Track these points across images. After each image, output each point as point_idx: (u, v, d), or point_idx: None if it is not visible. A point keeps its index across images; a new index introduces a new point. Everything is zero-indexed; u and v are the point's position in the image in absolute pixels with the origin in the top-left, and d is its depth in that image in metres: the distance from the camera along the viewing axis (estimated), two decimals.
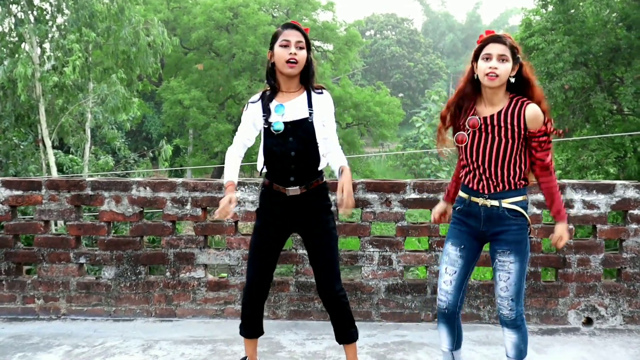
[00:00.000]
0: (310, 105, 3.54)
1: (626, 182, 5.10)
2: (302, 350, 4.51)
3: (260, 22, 30.64)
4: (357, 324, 5.03)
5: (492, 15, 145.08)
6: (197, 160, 30.25)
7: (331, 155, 3.54)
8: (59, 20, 18.84)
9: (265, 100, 3.61)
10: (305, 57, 3.51)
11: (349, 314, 3.77)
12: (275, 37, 3.51)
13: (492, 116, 3.29)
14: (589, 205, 5.04)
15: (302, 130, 3.52)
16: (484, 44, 3.25)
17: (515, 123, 3.23)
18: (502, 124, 3.26)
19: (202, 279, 5.17)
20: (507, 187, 3.33)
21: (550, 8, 20.34)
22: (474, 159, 3.37)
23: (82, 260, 5.19)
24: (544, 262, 5.10)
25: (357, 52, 37.87)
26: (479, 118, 3.32)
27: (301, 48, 3.48)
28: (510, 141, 3.26)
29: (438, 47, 74.88)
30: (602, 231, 5.07)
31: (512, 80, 3.27)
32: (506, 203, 3.33)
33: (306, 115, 3.53)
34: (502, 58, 3.20)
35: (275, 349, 4.55)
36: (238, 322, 5.02)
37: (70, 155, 20.37)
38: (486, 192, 3.37)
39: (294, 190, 3.56)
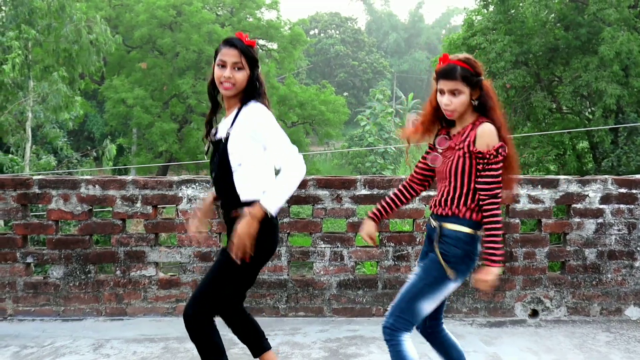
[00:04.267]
0: (232, 124, 3.28)
1: (569, 177, 5.26)
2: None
3: (204, 20, 30.37)
4: (309, 319, 5.08)
5: (435, 15, 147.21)
6: (141, 160, 29.81)
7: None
8: None
9: (208, 117, 3.48)
10: (244, 78, 3.28)
11: (202, 346, 3.38)
12: (216, 53, 3.33)
13: (456, 134, 3.24)
14: (534, 199, 5.18)
15: (218, 153, 3.29)
16: (437, 77, 3.18)
17: (468, 139, 3.14)
18: (458, 142, 3.19)
19: (153, 277, 5.13)
20: (448, 210, 3.18)
21: (491, 8, 20.75)
22: (436, 176, 3.35)
23: (30, 259, 5.10)
24: None
25: (302, 51, 37.87)
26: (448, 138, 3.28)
27: (239, 69, 3.25)
28: (457, 156, 3.16)
29: (382, 46, 75.42)
30: (547, 225, 5.21)
31: (475, 103, 3.18)
32: (445, 226, 3.18)
33: (224, 135, 3.29)
34: (454, 92, 3.12)
35: (228, 345, 4.52)
36: None
37: (10, 155, 19.85)
38: (434, 210, 3.30)
39: (220, 214, 3.38)
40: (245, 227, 3.11)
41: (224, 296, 3.35)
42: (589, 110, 20.86)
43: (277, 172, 3.25)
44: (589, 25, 18.72)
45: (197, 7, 30.55)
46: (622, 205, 5.22)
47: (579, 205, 5.22)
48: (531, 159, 19.28)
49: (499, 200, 3.09)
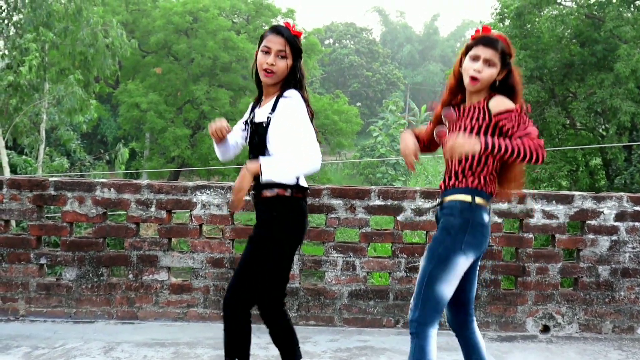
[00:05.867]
0: (273, 110, 3.30)
1: (584, 193, 5.24)
2: (266, 354, 4.51)
3: (220, 27, 30.53)
4: (319, 328, 5.08)
5: (450, 28, 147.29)
6: (153, 165, 29.93)
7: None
8: (15, 18, 18.53)
9: (254, 102, 3.53)
10: (286, 67, 3.29)
11: (231, 333, 3.38)
12: (261, 39, 3.35)
13: (466, 107, 3.18)
14: (548, 215, 5.16)
15: (258, 135, 3.34)
16: (475, 43, 3.12)
17: (480, 113, 3.08)
18: (469, 114, 3.13)
19: (165, 282, 5.14)
20: (455, 182, 3.14)
21: (507, 22, 20.72)
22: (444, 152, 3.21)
23: (43, 260, 5.12)
24: (504, 270, 5.20)
25: (316, 60, 37.95)
26: (456, 110, 3.23)
27: (282, 57, 3.27)
28: (469, 128, 3.08)
29: (396, 57, 75.52)
30: (561, 241, 5.19)
31: (497, 83, 3.12)
32: (445, 200, 3.16)
33: (264, 119, 3.32)
34: (488, 63, 3.06)
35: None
36: (201, 325, 5.04)
37: (24, 157, 20.01)
38: (442, 188, 3.23)
39: (251, 196, 3.44)
40: (238, 181, 3.16)
41: (260, 284, 3.34)
42: (603, 127, 20.79)
43: None
44: (605, 42, 18.68)
45: (213, 14, 30.73)
46: (637, 223, 5.20)
47: (593, 222, 5.20)
48: (543, 174, 19.21)
49: (541, 148, 2.90)
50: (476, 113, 3.10)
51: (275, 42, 3.27)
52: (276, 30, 3.32)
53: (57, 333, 4.85)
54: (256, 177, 3.28)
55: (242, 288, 3.33)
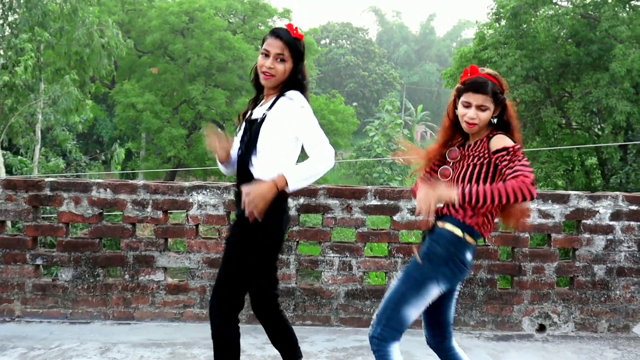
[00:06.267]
0: (270, 107, 3.29)
1: (580, 193, 5.25)
2: (262, 354, 4.52)
3: (216, 27, 30.47)
4: (316, 328, 5.08)
5: (446, 28, 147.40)
6: (149, 165, 29.86)
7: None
8: (10, 18, 18.49)
9: (252, 103, 3.50)
10: (285, 70, 3.29)
11: (216, 339, 3.35)
12: (263, 41, 3.35)
13: (468, 146, 3.17)
14: (544, 214, 5.17)
15: (250, 132, 3.30)
16: (465, 89, 3.08)
17: (481, 150, 3.08)
18: (471, 152, 3.13)
19: (162, 282, 5.14)
20: (446, 209, 3.10)
21: (503, 22, 20.79)
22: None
23: (39, 261, 5.11)
24: (500, 270, 5.21)
25: (313, 60, 37.89)
26: (460, 150, 3.20)
27: (282, 60, 3.27)
28: (471, 167, 3.08)
29: (392, 57, 75.60)
30: (557, 240, 5.20)
31: (494, 121, 3.10)
32: (437, 224, 3.11)
33: (260, 116, 3.30)
34: (481, 108, 3.04)
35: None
36: (197, 325, 5.04)
37: (20, 157, 19.96)
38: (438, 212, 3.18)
39: (233, 193, 3.38)
40: (262, 188, 3.09)
41: (244, 287, 3.34)
42: (599, 126, 20.86)
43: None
44: (600, 42, 18.75)
45: (209, 14, 30.65)
46: (632, 222, 5.21)
47: (589, 221, 5.21)
48: (539, 174, 19.24)
49: (532, 184, 2.84)
50: (477, 151, 3.10)
51: (274, 46, 3.28)
52: (275, 33, 3.33)
53: (53, 334, 4.85)
54: (243, 174, 3.30)
55: (227, 294, 3.32)
